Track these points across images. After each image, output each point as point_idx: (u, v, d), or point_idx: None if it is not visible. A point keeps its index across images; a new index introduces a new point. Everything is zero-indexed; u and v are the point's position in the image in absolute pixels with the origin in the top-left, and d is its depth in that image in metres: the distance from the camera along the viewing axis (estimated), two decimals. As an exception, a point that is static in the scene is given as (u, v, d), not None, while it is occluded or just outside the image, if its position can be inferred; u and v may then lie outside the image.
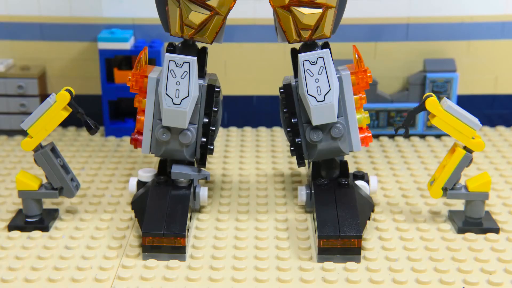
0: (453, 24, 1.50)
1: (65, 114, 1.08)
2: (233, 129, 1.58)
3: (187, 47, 1.07)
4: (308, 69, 1.03)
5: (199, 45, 1.09)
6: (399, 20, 1.51)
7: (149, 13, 1.48)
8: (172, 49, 1.07)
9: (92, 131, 1.09)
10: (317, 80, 1.03)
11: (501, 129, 1.55)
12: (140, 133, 1.10)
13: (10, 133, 1.51)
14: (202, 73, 1.08)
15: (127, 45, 1.46)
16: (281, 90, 1.08)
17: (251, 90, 1.58)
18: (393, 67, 1.53)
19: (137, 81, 1.08)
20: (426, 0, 1.49)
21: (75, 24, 1.52)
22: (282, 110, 1.09)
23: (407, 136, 1.07)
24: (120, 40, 1.46)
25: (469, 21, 1.50)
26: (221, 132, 1.55)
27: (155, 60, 1.47)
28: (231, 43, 1.52)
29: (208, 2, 1.00)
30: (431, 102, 1.03)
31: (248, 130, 1.58)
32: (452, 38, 1.51)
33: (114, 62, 1.50)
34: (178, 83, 1.03)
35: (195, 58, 1.03)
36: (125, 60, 1.51)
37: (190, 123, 1.07)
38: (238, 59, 1.54)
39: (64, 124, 1.53)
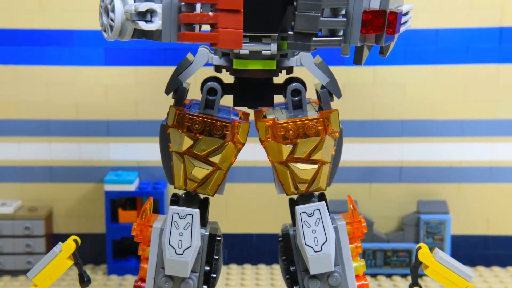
0: (443, 167, 1.58)
1: (70, 263, 1.12)
2: (233, 267, 1.61)
3: (190, 198, 1.13)
4: (305, 220, 1.08)
5: (202, 195, 1.14)
6: (392, 163, 1.58)
7: (153, 156, 1.56)
8: (175, 199, 1.12)
9: (83, 284, 1.12)
10: (314, 231, 1.08)
11: (497, 269, 1.58)
12: (143, 280, 1.14)
13: (14, 273, 1.54)
14: (204, 221, 1.13)
15: (132, 187, 1.53)
16: (279, 239, 1.13)
17: (251, 228, 1.62)
18: (388, 207, 1.59)
19: (142, 231, 1.12)
20: (417, 146, 1.58)
21: (83, 166, 1.59)
22: (281, 258, 1.13)
23: None
24: (125, 182, 1.53)
25: (458, 165, 1.58)
26: (221, 269, 1.58)
27: (158, 202, 1.53)
28: (232, 183, 1.58)
29: (210, 159, 1.07)
30: (423, 254, 1.07)
31: (248, 267, 1.61)
32: (443, 181, 1.58)
33: (118, 202, 1.56)
34: (181, 234, 1.08)
35: (197, 211, 1.09)
36: (130, 201, 1.57)
37: (192, 271, 1.10)
38: (238, 199, 1.60)
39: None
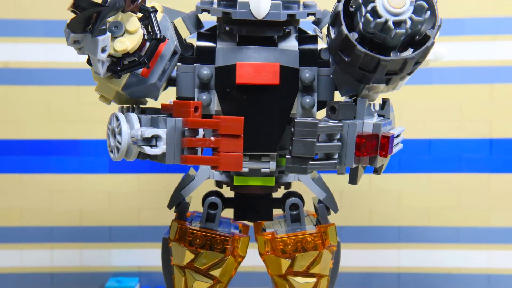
0: (441, 274, 1.60)
1: None
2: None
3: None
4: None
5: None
6: (389, 269, 1.60)
7: (154, 261, 1.58)
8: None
9: None
10: None
11: None
12: None
13: None
14: None
15: (132, 295, 1.54)
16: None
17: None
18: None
19: None
20: (414, 252, 1.60)
21: (84, 272, 1.61)
22: None
23: None
24: (125, 289, 1.55)
25: (456, 272, 1.60)
26: None
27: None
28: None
29: (211, 272, 1.09)
30: None
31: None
32: (442, 288, 1.60)
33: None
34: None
35: None
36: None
37: None
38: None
39: None
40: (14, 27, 1.58)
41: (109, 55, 0.92)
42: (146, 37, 0.93)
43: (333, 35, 0.91)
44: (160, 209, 1.55)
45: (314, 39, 1.05)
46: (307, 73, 1.02)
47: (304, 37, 1.05)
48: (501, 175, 1.58)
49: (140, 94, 1.01)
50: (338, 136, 0.93)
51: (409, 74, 0.94)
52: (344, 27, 0.88)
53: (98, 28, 0.87)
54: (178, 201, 1.12)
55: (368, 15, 0.87)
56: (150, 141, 0.92)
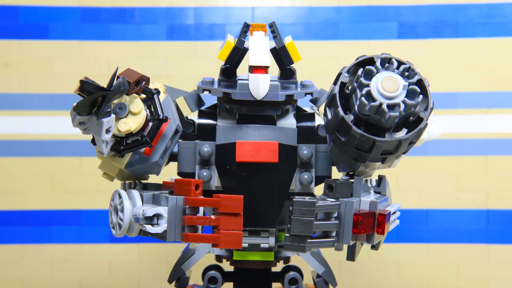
0: None
1: None
2: None
3: None
4: None
5: None
6: None
7: None
8: None
9: None
10: None
11: None
12: None
13: None
14: None
15: None
16: None
17: None
18: None
19: None
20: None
21: None
22: None
23: None
24: None
25: None
26: None
27: None
28: None
29: None
30: None
31: None
32: None
33: None
34: None
35: None
36: None
37: None
38: None
39: None
40: (20, 101, 1.62)
41: (113, 135, 0.94)
42: (149, 118, 0.96)
43: (329, 116, 0.94)
44: (160, 279, 1.55)
45: (311, 116, 1.08)
46: (305, 150, 1.04)
47: (302, 115, 1.08)
48: (499, 246, 1.59)
49: (143, 172, 1.03)
50: (335, 214, 0.94)
51: (404, 153, 0.96)
52: (340, 109, 0.91)
53: (103, 111, 0.89)
54: (178, 276, 1.13)
55: (363, 98, 0.90)
56: (151, 219, 0.94)
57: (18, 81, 1.62)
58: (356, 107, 0.91)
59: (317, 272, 1.13)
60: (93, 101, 0.89)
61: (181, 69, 1.62)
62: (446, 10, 1.62)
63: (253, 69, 1.02)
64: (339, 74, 0.94)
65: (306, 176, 1.05)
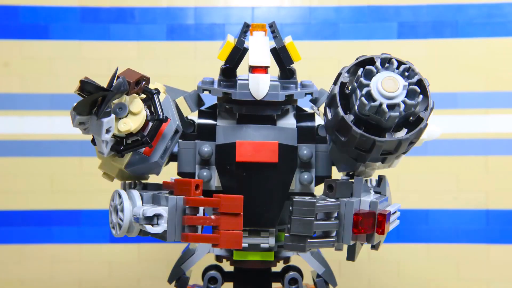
0: None
1: None
2: None
3: None
4: None
5: None
6: None
7: None
8: None
9: None
10: None
11: None
12: None
13: None
14: None
15: None
16: None
17: None
18: None
19: None
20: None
21: None
22: None
23: None
24: None
25: None
26: None
27: None
28: None
29: None
30: None
31: None
32: None
33: None
34: None
35: None
36: None
37: None
38: None
39: None
40: (20, 101, 1.62)
41: (113, 135, 0.94)
42: (149, 118, 0.96)
43: (329, 116, 0.94)
44: (160, 279, 1.55)
45: (311, 116, 1.08)
46: (305, 150, 1.04)
47: (302, 115, 1.08)
48: (499, 246, 1.59)
49: (143, 172, 1.03)
50: (335, 214, 0.94)
51: (404, 153, 0.96)
52: (340, 109, 0.91)
53: (103, 111, 0.89)
54: (178, 276, 1.13)
55: (363, 98, 0.90)
56: (151, 219, 0.94)
57: (18, 81, 1.62)
58: (356, 107, 0.91)
59: (317, 272, 1.13)
60: (93, 101, 0.89)
61: (181, 69, 1.62)
62: (446, 10, 1.62)
63: (253, 69, 1.02)
64: (339, 74, 0.94)
65: (306, 176, 1.05)
